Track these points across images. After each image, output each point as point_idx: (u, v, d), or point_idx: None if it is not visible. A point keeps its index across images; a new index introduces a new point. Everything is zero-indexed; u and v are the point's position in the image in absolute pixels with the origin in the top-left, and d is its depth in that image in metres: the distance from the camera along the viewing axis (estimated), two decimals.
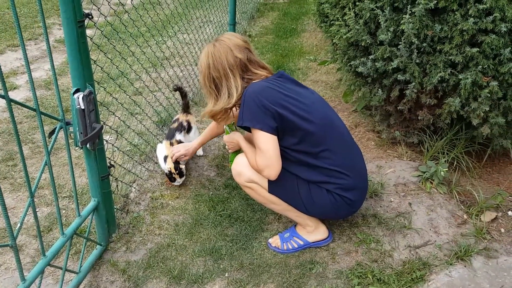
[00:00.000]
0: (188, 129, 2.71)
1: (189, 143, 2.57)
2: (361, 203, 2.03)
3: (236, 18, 4.42)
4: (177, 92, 2.80)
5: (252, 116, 1.80)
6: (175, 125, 2.69)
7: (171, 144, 2.57)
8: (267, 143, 1.81)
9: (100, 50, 1.93)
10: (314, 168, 1.90)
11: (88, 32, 1.64)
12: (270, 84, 1.86)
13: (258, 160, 1.85)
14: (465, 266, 1.98)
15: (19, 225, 1.44)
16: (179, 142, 2.59)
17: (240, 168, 2.02)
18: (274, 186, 1.96)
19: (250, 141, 2.12)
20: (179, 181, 2.50)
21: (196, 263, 2.03)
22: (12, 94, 3.56)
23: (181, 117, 2.73)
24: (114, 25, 2.23)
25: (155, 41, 4.03)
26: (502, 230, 2.20)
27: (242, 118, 1.83)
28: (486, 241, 2.12)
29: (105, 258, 2.05)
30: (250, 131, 1.89)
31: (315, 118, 1.85)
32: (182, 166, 2.48)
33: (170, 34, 4.74)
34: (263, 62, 2.04)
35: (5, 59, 4.31)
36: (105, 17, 2.03)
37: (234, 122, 2.16)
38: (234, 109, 2.04)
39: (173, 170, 2.44)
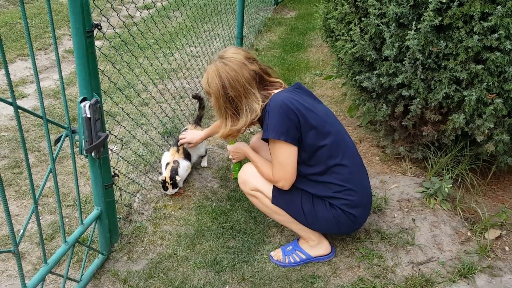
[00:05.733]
0: None
1: (197, 131, 2.64)
2: (365, 220, 2.02)
3: (244, 32, 4.47)
4: (195, 101, 2.83)
5: (277, 128, 1.78)
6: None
7: (178, 151, 2.63)
8: (288, 157, 1.82)
9: (108, 60, 1.96)
10: (322, 183, 1.90)
11: (97, 43, 1.67)
12: (292, 95, 1.84)
13: (275, 172, 1.86)
14: (468, 284, 1.96)
15: (22, 231, 1.45)
16: (185, 150, 2.64)
17: (247, 176, 2.03)
18: (277, 197, 1.96)
19: (256, 150, 2.13)
20: (171, 191, 2.52)
21: (197, 274, 2.02)
22: (20, 103, 3.60)
23: (191, 128, 2.78)
24: (122, 37, 2.26)
25: (163, 53, 4.07)
26: (507, 248, 2.18)
27: (268, 130, 1.80)
28: (490, 259, 2.10)
29: (107, 267, 2.05)
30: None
31: (331, 132, 1.86)
32: (178, 179, 2.49)
33: (178, 46, 4.79)
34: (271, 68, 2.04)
35: (15, 68, 4.37)
36: (114, 28, 2.06)
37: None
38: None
39: (167, 180, 2.47)
